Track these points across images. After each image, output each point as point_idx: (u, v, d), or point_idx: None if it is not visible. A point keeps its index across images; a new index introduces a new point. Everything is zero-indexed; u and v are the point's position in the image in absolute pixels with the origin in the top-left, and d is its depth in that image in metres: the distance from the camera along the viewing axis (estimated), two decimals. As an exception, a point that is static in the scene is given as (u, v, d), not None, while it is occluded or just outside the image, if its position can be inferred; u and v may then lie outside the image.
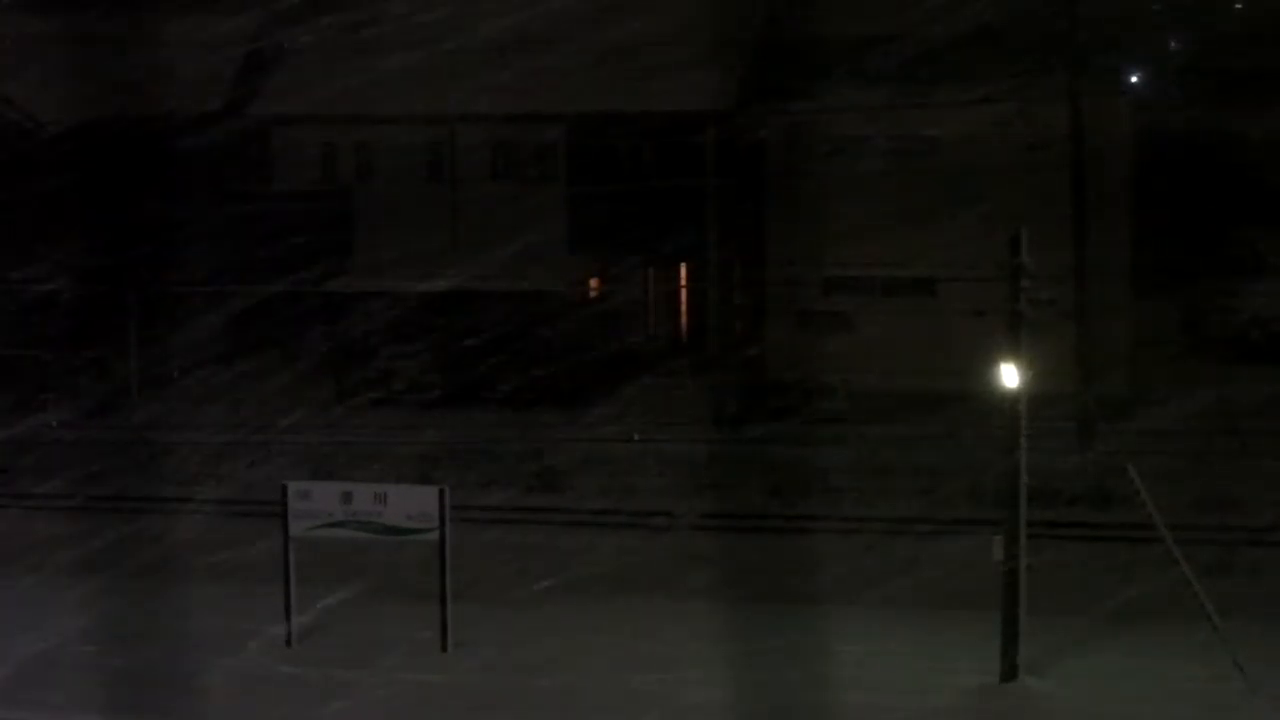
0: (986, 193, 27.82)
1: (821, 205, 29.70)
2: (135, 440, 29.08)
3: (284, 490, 19.67)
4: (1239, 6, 38.98)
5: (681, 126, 32.97)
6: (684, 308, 35.17)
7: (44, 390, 31.76)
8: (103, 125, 32.48)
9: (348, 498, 19.47)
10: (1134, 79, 34.99)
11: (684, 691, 17.98)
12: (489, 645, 19.48)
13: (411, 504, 19.30)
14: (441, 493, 19.22)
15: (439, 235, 33.51)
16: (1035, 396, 18.16)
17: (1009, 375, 17.81)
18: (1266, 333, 31.84)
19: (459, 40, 33.41)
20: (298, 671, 18.79)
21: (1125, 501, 20.50)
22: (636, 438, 27.98)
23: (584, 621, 20.22)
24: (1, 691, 18.17)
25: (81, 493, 26.42)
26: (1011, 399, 17.85)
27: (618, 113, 32.43)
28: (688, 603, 20.78)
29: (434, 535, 19.14)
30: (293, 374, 32.14)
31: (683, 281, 35.08)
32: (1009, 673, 17.97)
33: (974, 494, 23.89)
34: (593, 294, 33.21)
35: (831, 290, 30.66)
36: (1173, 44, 39.10)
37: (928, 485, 25.18)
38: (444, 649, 19.28)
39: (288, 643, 19.48)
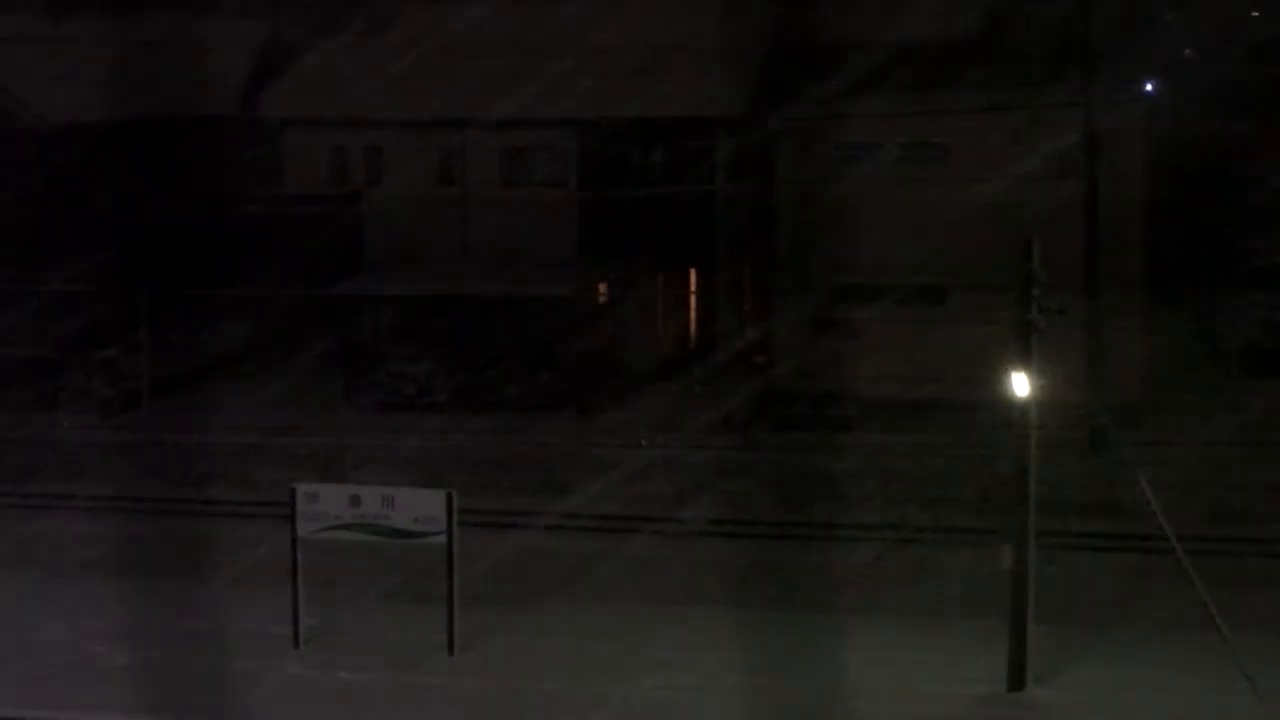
0: (998, 200, 27.76)
1: (831, 212, 29.66)
2: (146, 441, 29.12)
3: (292, 492, 19.68)
4: (1254, 15, 38.93)
5: (692, 132, 32.95)
6: (693, 314, 35.15)
7: (56, 391, 31.81)
8: (114, 126, 32.54)
9: (356, 500, 19.48)
10: (1148, 86, 34.91)
11: (689, 698, 17.96)
12: (496, 648, 19.47)
13: (419, 507, 19.30)
14: (449, 496, 19.23)
15: (449, 239, 33.52)
16: (1046, 405, 18.11)
17: (1019, 384, 17.77)
18: (1279, 342, 31.73)
19: (470, 44, 33.46)
20: (305, 673, 18.81)
21: (1136, 511, 20.43)
22: (645, 444, 27.95)
23: (590, 626, 20.21)
24: (12, 689, 18.20)
25: (92, 494, 26.48)
26: (1022, 408, 17.80)
27: (628, 118, 32.43)
28: (694, 609, 20.75)
29: (441, 539, 19.15)
30: (302, 377, 32.16)
31: (692, 288, 35.05)
32: (1016, 682, 17.93)
33: (983, 502, 23.83)
34: (602, 299, 33.20)
35: (841, 298, 30.58)
36: (1187, 52, 39.07)
37: (936, 493, 25.12)
38: (451, 652, 19.28)
39: (295, 644, 19.49)
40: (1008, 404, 17.96)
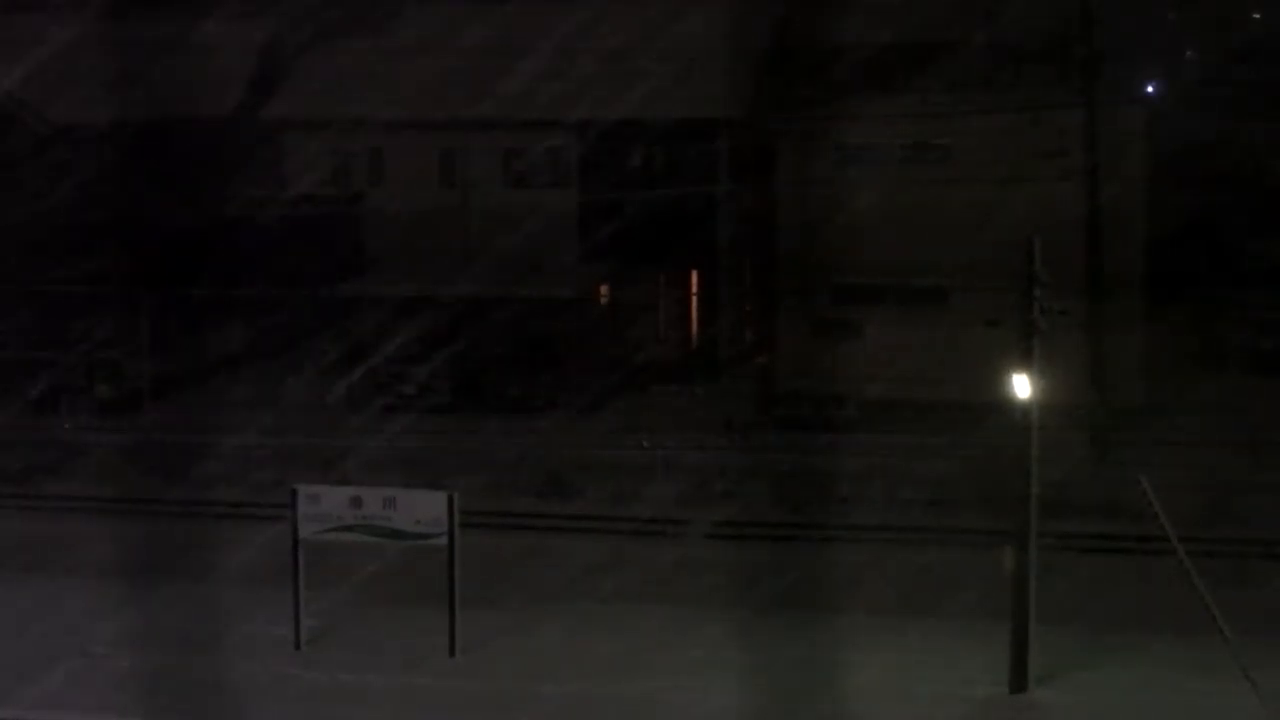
0: (999, 201, 27.75)
1: (833, 213, 29.66)
2: (146, 442, 29.12)
3: (293, 494, 19.67)
4: (1256, 17, 38.92)
5: (693, 133, 32.96)
6: (695, 315, 35.14)
7: (56, 391, 31.81)
8: (116, 127, 32.57)
9: (357, 502, 19.46)
10: (1149, 87, 34.93)
11: (691, 700, 17.95)
12: (497, 650, 19.46)
13: (421, 509, 19.29)
14: (450, 498, 19.22)
15: (450, 241, 33.53)
16: (1048, 407, 18.10)
17: (1021, 385, 17.76)
18: (1280, 344, 31.73)
19: (472, 46, 33.47)
20: (306, 675, 18.80)
21: (1137, 512, 20.41)
22: (646, 445, 27.93)
23: (592, 628, 20.20)
24: (12, 691, 18.20)
25: (92, 494, 26.47)
26: (1024, 409, 17.78)
27: (630, 119, 32.44)
28: (696, 611, 20.74)
29: (443, 540, 19.14)
30: (304, 378, 32.16)
31: (694, 289, 35.05)
32: (1018, 684, 17.91)
33: (985, 504, 23.81)
34: (603, 301, 33.20)
35: (842, 299, 30.59)
36: (1189, 53, 39.06)
37: (938, 495, 25.10)
38: (452, 654, 19.27)
39: (296, 646, 19.48)
40: (1010, 405, 17.94)
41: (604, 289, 33.13)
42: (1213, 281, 31.89)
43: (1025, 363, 17.72)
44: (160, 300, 32.12)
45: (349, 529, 19.41)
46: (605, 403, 30.97)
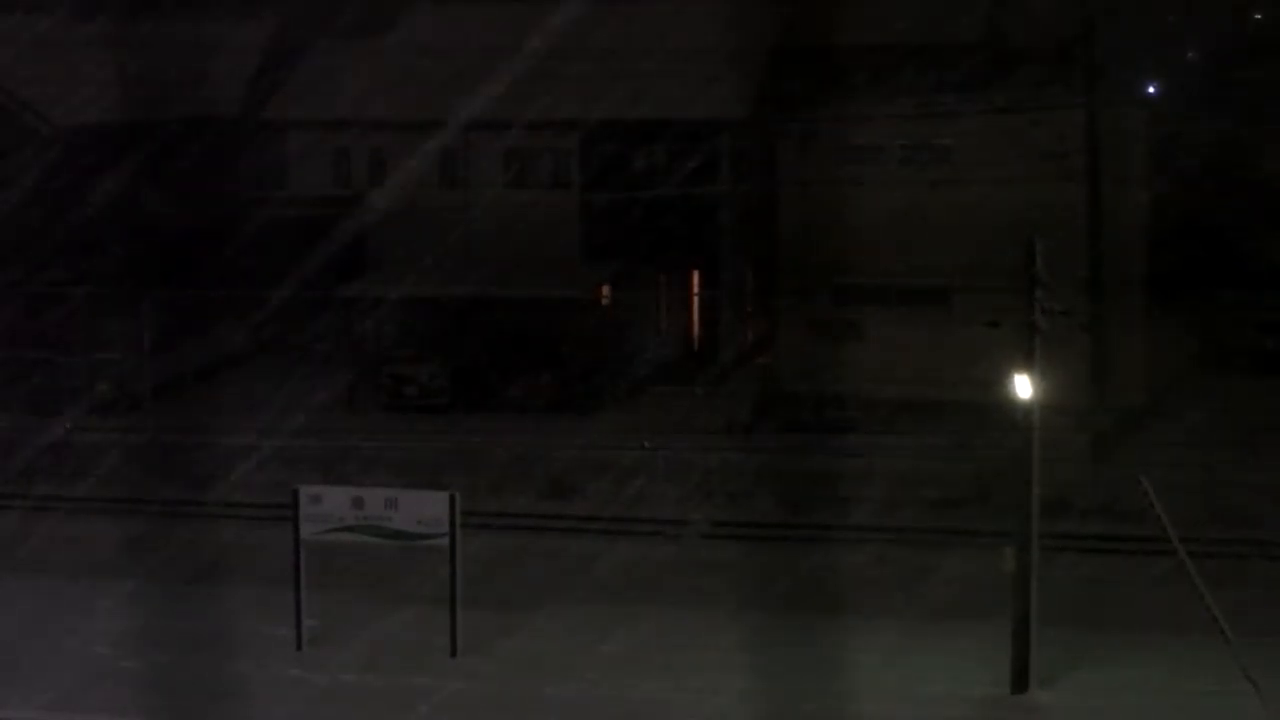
0: (1000, 202, 27.75)
1: (835, 214, 29.65)
2: (147, 443, 29.12)
3: (295, 494, 19.68)
4: (1256, 18, 38.95)
5: (694, 134, 32.97)
6: (696, 316, 35.14)
7: (57, 392, 31.80)
8: (117, 127, 32.56)
9: (359, 502, 19.48)
10: (1150, 88, 34.95)
11: (693, 700, 17.95)
12: (498, 651, 19.47)
13: (422, 509, 19.31)
14: (452, 498, 19.23)
15: (452, 241, 33.53)
16: (1049, 408, 18.10)
17: (1022, 386, 17.77)
18: (1281, 345, 31.73)
19: (473, 47, 33.47)
20: (307, 675, 18.81)
21: (1138, 514, 20.42)
22: (647, 445, 27.94)
23: (593, 629, 20.20)
24: (14, 691, 18.21)
25: (93, 495, 26.47)
26: (1025, 410, 17.79)
27: (632, 120, 32.44)
28: (698, 611, 20.74)
29: (444, 541, 19.16)
30: (305, 378, 32.16)
31: (694, 289, 35.05)
32: (1020, 684, 17.92)
33: (986, 505, 23.81)
34: (605, 301, 33.19)
35: (843, 299, 30.58)
36: (1189, 53, 39.08)
37: (939, 496, 25.09)
38: (453, 654, 19.28)
39: (298, 646, 19.49)
40: (1011, 406, 17.95)
41: (605, 289, 33.12)
42: (1213, 282, 31.88)
43: (1026, 363, 17.73)
44: (160, 300, 32.12)
45: (350, 529, 19.43)
46: (605, 403, 30.96)
